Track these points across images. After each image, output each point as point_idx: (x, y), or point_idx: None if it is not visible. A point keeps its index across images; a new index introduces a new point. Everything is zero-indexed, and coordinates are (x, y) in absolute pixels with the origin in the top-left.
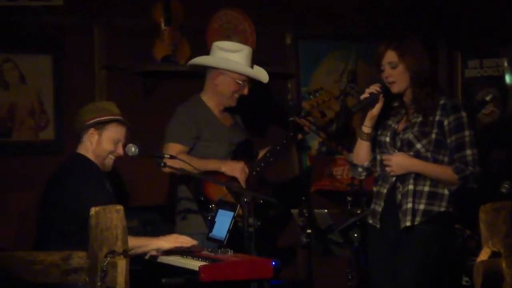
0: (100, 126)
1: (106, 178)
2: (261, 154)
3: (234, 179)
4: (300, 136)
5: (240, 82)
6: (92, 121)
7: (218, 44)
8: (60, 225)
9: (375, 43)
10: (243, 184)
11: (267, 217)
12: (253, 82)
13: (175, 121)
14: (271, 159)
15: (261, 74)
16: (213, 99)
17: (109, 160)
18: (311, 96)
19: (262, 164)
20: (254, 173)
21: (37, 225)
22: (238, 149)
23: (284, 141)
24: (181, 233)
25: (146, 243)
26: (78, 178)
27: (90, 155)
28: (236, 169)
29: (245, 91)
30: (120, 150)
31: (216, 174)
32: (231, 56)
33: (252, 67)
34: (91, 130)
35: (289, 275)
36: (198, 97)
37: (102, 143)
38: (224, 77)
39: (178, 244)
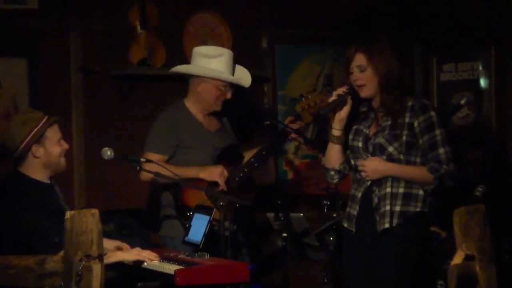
0: (40, 139)
1: (52, 187)
2: (247, 158)
3: (214, 184)
4: (293, 135)
5: (222, 88)
6: (29, 137)
7: (198, 50)
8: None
9: None
10: (223, 187)
11: (246, 221)
12: (235, 86)
13: (153, 129)
14: (256, 164)
15: (242, 78)
16: (196, 105)
17: (62, 160)
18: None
19: (246, 170)
20: (237, 178)
21: None
22: (222, 154)
23: (270, 146)
24: (164, 237)
25: (109, 254)
26: (22, 209)
27: (37, 171)
28: (214, 174)
29: (228, 96)
30: (65, 145)
31: (196, 181)
32: (211, 63)
33: (233, 70)
34: (34, 147)
35: (265, 279)
36: (182, 103)
37: (50, 151)
38: (206, 84)
39: (140, 258)
